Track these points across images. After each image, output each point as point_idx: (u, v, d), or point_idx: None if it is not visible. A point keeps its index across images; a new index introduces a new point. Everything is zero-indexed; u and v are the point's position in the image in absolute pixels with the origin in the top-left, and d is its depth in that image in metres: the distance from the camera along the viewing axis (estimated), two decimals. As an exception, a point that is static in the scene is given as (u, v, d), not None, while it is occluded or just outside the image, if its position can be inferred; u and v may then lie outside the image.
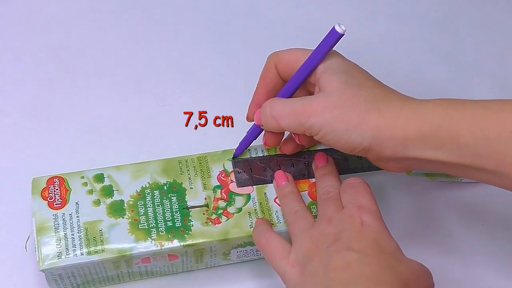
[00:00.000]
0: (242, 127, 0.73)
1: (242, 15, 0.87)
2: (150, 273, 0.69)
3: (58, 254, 0.65)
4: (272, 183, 0.69)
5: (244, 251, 0.69)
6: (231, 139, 0.72)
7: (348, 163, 0.71)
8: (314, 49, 0.65)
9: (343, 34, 0.63)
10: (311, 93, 0.67)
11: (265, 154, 0.71)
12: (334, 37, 0.64)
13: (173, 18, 0.86)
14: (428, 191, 0.77)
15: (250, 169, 0.70)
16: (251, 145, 0.71)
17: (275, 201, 0.69)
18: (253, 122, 0.69)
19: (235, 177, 0.69)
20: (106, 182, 0.69)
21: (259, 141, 0.70)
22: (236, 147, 0.71)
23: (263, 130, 0.69)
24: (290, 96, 0.67)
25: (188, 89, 0.82)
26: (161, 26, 0.86)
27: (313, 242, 0.61)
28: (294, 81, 0.66)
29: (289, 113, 0.64)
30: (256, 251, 0.69)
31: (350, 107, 0.61)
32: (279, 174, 0.69)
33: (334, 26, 0.64)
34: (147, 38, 0.84)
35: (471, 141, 0.58)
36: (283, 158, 0.70)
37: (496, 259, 0.73)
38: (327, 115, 0.62)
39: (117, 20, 0.85)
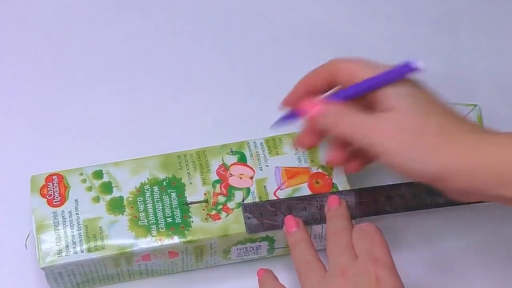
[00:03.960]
0: (243, 127, 0.73)
1: (242, 15, 0.87)
2: (150, 272, 0.69)
3: (58, 251, 0.65)
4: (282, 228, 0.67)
5: (244, 249, 0.68)
6: (231, 139, 0.72)
7: (377, 205, 0.69)
8: (382, 70, 0.63)
9: (419, 70, 0.62)
10: (365, 107, 0.64)
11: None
12: (410, 69, 0.62)
13: (173, 18, 0.86)
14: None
15: (261, 214, 0.67)
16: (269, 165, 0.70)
17: (275, 194, 0.68)
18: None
19: (245, 223, 0.67)
20: (105, 178, 0.68)
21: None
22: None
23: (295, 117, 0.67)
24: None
25: (188, 88, 0.81)
26: (161, 25, 0.86)
27: None
28: (353, 92, 0.64)
29: (353, 123, 0.62)
30: (256, 250, 0.69)
31: (420, 136, 0.60)
32: (289, 219, 0.67)
33: (415, 61, 0.62)
34: (147, 37, 0.84)
35: None
36: (295, 202, 0.68)
37: (495, 259, 0.73)
38: (394, 140, 0.60)
39: (116, 19, 0.85)
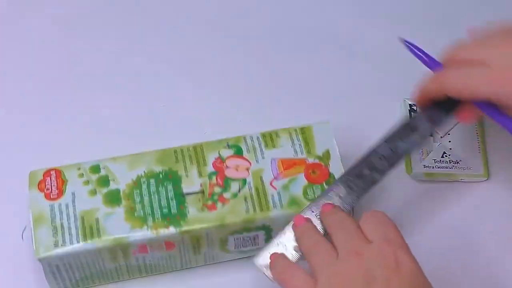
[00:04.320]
0: (243, 127, 0.73)
1: (242, 15, 0.88)
2: (148, 268, 0.69)
3: (54, 243, 0.65)
4: None
5: (242, 239, 0.68)
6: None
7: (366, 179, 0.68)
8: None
9: None
10: None
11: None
12: None
13: (173, 18, 0.87)
14: (427, 190, 0.76)
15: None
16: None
17: (271, 184, 0.68)
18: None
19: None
20: (102, 172, 0.69)
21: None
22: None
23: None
24: None
25: (187, 87, 0.82)
26: (161, 24, 0.86)
27: (342, 280, 0.59)
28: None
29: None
30: (254, 240, 0.69)
31: None
32: (298, 217, 0.65)
33: None
34: (146, 36, 0.85)
35: None
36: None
37: (497, 257, 0.73)
38: None
39: (116, 18, 0.86)
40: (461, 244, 0.73)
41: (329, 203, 0.66)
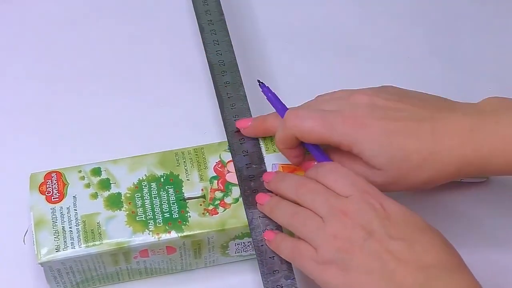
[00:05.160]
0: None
1: (241, 14, 0.87)
2: (149, 271, 0.69)
3: (56, 247, 0.65)
4: None
5: (243, 244, 0.69)
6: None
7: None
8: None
9: None
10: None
11: None
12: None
13: (173, 17, 0.86)
14: (427, 190, 0.76)
15: None
16: None
17: (272, 190, 0.69)
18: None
19: None
20: (103, 175, 0.69)
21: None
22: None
23: None
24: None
25: (187, 88, 0.82)
26: (161, 25, 0.86)
27: (341, 240, 0.60)
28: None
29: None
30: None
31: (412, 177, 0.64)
32: (260, 195, 0.67)
33: None
34: (146, 37, 0.85)
35: None
36: None
37: (498, 257, 0.73)
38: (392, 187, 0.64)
39: (116, 19, 0.86)
40: (461, 244, 0.73)
41: (267, 172, 0.68)
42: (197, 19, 0.78)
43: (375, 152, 0.63)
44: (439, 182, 0.65)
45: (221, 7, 0.78)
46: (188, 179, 0.69)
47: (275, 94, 0.69)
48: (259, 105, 0.76)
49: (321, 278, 0.60)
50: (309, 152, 0.67)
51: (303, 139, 0.66)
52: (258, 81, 0.70)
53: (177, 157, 0.70)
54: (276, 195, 0.66)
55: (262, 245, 0.66)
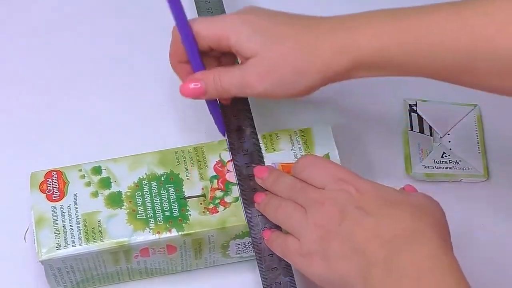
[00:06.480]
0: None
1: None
2: (150, 272, 0.70)
3: (57, 245, 0.65)
4: None
5: (243, 245, 0.69)
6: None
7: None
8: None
9: None
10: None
11: None
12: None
13: (171, 17, 0.86)
14: (427, 191, 0.76)
15: None
16: None
17: (272, 188, 0.69)
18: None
19: None
20: (104, 174, 0.69)
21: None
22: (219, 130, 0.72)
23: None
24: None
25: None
26: (160, 25, 0.86)
27: (320, 228, 0.61)
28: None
29: (236, 86, 0.66)
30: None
31: (283, 66, 0.64)
32: (257, 194, 0.68)
33: None
34: (146, 36, 0.85)
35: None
36: None
37: (498, 257, 0.73)
38: (266, 83, 0.65)
39: (116, 19, 0.86)
40: (461, 244, 0.73)
41: (259, 167, 0.68)
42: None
43: (250, 37, 0.65)
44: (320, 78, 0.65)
45: (223, 5, 0.78)
46: (188, 178, 0.69)
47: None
48: (259, 105, 0.76)
49: (307, 270, 0.62)
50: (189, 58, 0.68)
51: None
52: None
53: (177, 156, 0.70)
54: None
55: (260, 243, 0.66)
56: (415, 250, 0.58)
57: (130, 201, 0.68)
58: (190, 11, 0.83)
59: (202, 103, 0.72)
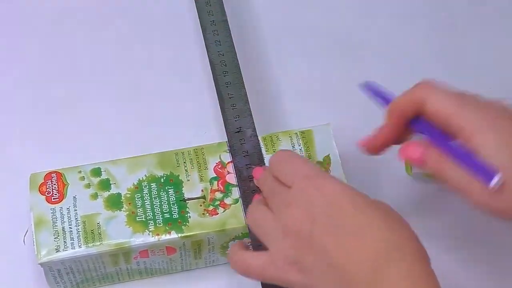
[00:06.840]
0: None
1: (244, 15, 0.87)
2: (149, 272, 0.69)
3: (56, 247, 0.65)
4: None
5: (243, 245, 0.69)
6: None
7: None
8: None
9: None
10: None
11: None
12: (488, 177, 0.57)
13: (175, 18, 0.86)
14: (427, 191, 0.76)
15: None
16: None
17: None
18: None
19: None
20: (103, 176, 0.69)
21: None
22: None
23: None
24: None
25: (187, 88, 0.82)
26: (162, 25, 0.86)
27: (290, 236, 0.58)
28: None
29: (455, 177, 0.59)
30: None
31: None
32: (256, 196, 0.67)
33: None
34: (146, 36, 0.85)
35: None
36: None
37: (498, 257, 0.73)
38: None
39: (116, 19, 0.86)
40: (461, 244, 0.74)
41: (257, 168, 0.68)
42: (199, 19, 0.78)
43: (500, 146, 0.57)
44: None
45: (223, 7, 0.78)
46: (188, 180, 0.69)
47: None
48: (260, 106, 0.76)
49: (284, 281, 0.59)
50: (424, 133, 0.61)
51: (427, 109, 0.61)
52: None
53: (177, 158, 0.70)
54: None
55: (260, 245, 0.65)
56: (399, 266, 0.55)
57: (129, 203, 0.67)
58: (190, 11, 0.83)
59: (202, 104, 0.73)
